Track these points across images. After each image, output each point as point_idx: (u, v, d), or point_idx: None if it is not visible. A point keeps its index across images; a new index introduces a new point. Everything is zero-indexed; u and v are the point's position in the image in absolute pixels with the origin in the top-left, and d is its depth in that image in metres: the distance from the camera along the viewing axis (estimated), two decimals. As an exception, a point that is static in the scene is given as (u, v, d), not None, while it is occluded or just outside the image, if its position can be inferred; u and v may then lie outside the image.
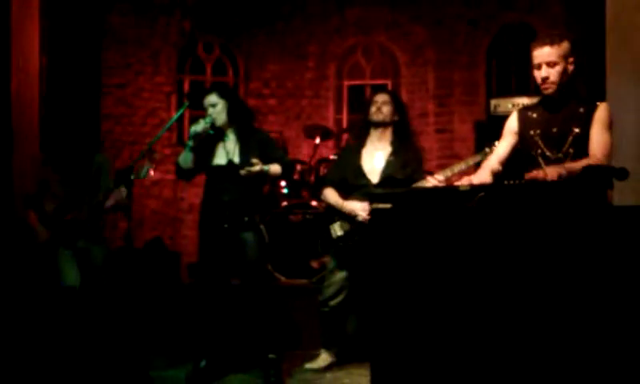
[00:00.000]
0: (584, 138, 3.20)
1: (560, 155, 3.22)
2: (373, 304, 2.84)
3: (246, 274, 4.22)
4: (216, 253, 4.17)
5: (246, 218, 4.14)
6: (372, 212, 2.94)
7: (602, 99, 3.39)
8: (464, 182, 3.16)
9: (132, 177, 4.13)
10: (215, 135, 4.20)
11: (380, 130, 4.45)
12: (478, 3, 7.62)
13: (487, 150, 4.12)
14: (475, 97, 7.62)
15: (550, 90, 3.23)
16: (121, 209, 4.24)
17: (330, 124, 7.86)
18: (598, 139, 3.18)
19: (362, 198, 4.28)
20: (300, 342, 4.92)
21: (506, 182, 2.86)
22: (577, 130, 3.20)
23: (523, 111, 3.42)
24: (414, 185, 4.20)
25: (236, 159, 4.14)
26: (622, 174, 2.74)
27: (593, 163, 3.01)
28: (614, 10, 4.83)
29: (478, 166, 4.13)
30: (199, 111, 4.34)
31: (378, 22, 8.01)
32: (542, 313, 2.44)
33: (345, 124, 8.12)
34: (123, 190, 4.12)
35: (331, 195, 4.48)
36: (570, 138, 3.21)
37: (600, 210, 2.58)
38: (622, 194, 3.24)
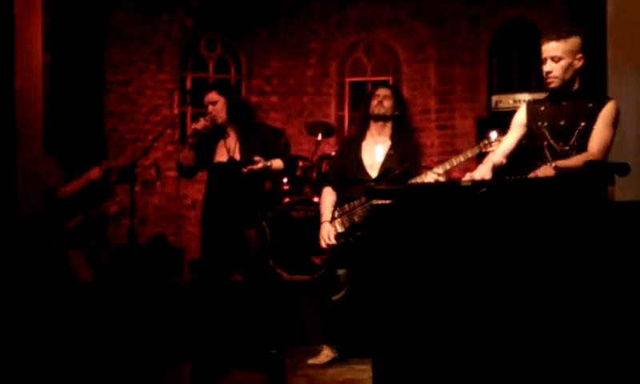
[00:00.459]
0: (589, 132, 3.21)
1: (567, 148, 3.24)
2: (374, 300, 2.85)
3: (248, 271, 4.24)
4: (218, 249, 4.19)
5: (248, 215, 4.15)
6: (372, 208, 2.95)
7: (603, 95, 3.40)
8: (466, 177, 3.18)
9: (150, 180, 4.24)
10: (216, 133, 4.21)
11: (380, 123, 4.46)
12: (479, 0, 7.62)
13: (486, 141, 4.14)
14: (476, 93, 7.62)
15: (552, 84, 3.24)
16: (125, 212, 4.29)
17: (332, 121, 7.87)
18: (597, 135, 3.21)
19: (361, 193, 4.30)
20: (302, 338, 4.94)
21: (507, 178, 2.88)
22: (583, 124, 3.22)
23: (532, 104, 3.44)
24: (414, 179, 4.23)
25: (237, 156, 4.16)
26: (623, 169, 2.76)
27: (587, 158, 3.02)
28: (615, 5, 4.83)
29: (477, 158, 4.16)
30: (201, 108, 4.36)
31: (380, 18, 8.01)
32: (543, 309, 2.45)
33: (346, 121, 8.14)
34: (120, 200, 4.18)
35: (324, 201, 4.49)
36: (577, 132, 3.23)
37: (601, 205, 2.59)
38: (622, 190, 3.26)
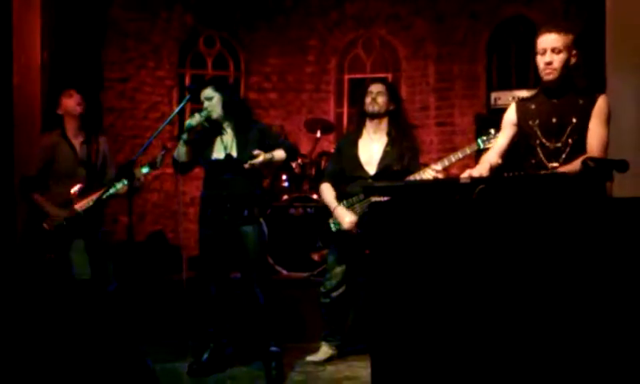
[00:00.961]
0: (582, 128, 3.22)
1: (559, 145, 3.24)
2: (373, 296, 2.85)
3: (246, 268, 4.24)
4: (216, 247, 4.19)
5: (246, 212, 4.15)
6: (371, 205, 2.95)
7: (602, 92, 3.40)
8: (464, 174, 3.17)
9: (152, 165, 4.26)
10: (213, 129, 4.20)
11: (376, 120, 4.45)
12: (478, -4, 7.63)
13: (484, 138, 4.14)
14: (476, 90, 7.62)
15: (551, 75, 3.24)
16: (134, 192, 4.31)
17: (331, 118, 7.87)
18: (595, 133, 3.21)
19: (359, 190, 4.30)
20: (301, 335, 4.94)
21: (505, 175, 2.88)
22: (575, 121, 3.22)
23: (521, 102, 3.44)
24: (412, 176, 4.22)
25: (234, 153, 4.15)
26: (622, 166, 2.75)
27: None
28: (614, 2, 4.83)
29: (476, 154, 4.16)
30: (200, 105, 4.36)
31: (379, 15, 8.00)
32: (541, 306, 2.45)
33: (345, 118, 8.14)
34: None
35: (326, 192, 4.48)
36: (569, 129, 3.23)
37: (599, 201, 2.59)
38: (621, 186, 3.25)
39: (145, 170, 4.37)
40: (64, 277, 4.25)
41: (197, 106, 4.27)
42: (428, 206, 2.73)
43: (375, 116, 4.43)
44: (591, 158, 2.85)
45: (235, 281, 4.44)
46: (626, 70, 4.71)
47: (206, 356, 4.22)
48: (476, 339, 2.54)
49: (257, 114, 4.92)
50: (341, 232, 4.40)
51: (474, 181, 2.73)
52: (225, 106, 4.16)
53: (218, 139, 4.20)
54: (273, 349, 4.17)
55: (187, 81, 7.86)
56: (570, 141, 3.22)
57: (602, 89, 4.69)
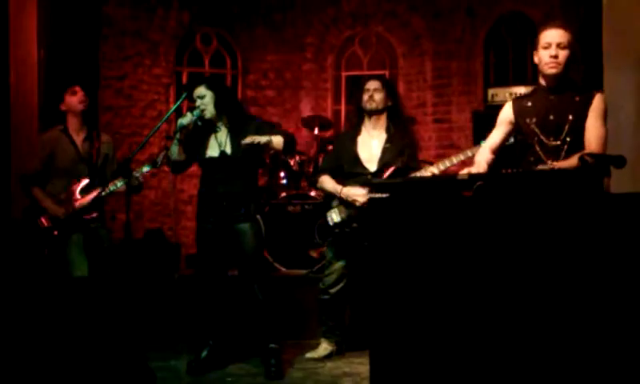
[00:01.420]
0: (580, 126, 3.23)
1: (558, 142, 3.24)
2: (372, 293, 2.86)
3: (244, 265, 4.24)
4: (213, 244, 4.19)
5: (242, 209, 4.15)
6: (370, 201, 2.96)
7: (599, 88, 3.41)
8: (462, 172, 3.18)
9: (155, 163, 4.27)
10: (206, 127, 4.20)
11: (374, 117, 4.45)
12: (475, -7, 7.62)
13: (483, 143, 4.14)
14: (473, 86, 7.62)
15: (555, 69, 3.24)
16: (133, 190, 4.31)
17: (329, 115, 7.87)
18: (593, 130, 3.22)
19: (360, 187, 4.30)
20: (300, 332, 4.95)
21: (503, 171, 2.88)
22: (572, 118, 3.23)
23: (518, 100, 3.45)
24: (412, 174, 4.22)
25: (228, 150, 4.15)
26: (620, 161, 2.76)
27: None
28: (610, -2, 4.84)
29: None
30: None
31: (376, 12, 8.00)
32: (540, 302, 2.46)
33: (343, 115, 8.14)
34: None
35: (328, 182, 4.49)
36: (567, 126, 3.23)
37: (597, 197, 2.59)
38: (619, 182, 3.26)
39: (145, 169, 4.37)
40: (58, 273, 4.23)
41: (194, 104, 4.26)
42: (427, 203, 2.73)
43: (373, 113, 4.43)
44: (589, 154, 2.86)
45: (233, 278, 4.44)
46: (623, 66, 4.71)
47: (204, 353, 4.22)
48: (475, 335, 2.55)
49: (252, 112, 4.90)
50: (338, 225, 4.40)
51: (472, 177, 2.73)
52: (217, 104, 4.15)
53: (212, 137, 4.20)
54: (272, 346, 4.18)
55: (184, 79, 7.84)
56: (568, 138, 3.23)
57: (599, 85, 4.70)
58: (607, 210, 2.43)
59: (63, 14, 6.13)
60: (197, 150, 4.22)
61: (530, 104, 3.36)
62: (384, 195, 2.91)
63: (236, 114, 4.23)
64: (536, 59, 3.33)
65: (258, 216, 4.28)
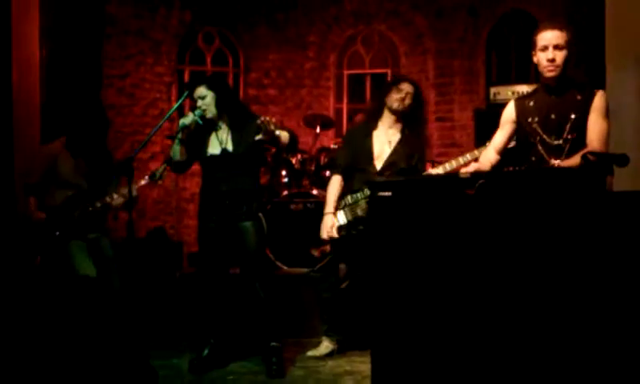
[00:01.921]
0: (582, 125, 3.22)
1: (560, 141, 3.24)
2: (374, 291, 2.86)
3: (246, 263, 4.24)
4: (215, 243, 4.19)
5: (245, 207, 4.15)
6: (373, 199, 2.95)
7: (602, 86, 3.41)
8: (465, 170, 3.18)
9: (155, 177, 4.25)
10: (208, 126, 4.20)
11: (395, 117, 4.42)
12: (477, -9, 7.61)
13: (488, 144, 4.14)
14: (475, 85, 7.62)
15: (554, 72, 3.24)
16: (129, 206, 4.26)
17: (331, 113, 7.87)
18: (595, 128, 3.21)
19: (363, 184, 4.30)
20: (302, 330, 4.95)
21: (505, 169, 2.88)
22: (574, 117, 3.23)
23: (520, 100, 3.45)
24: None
25: (230, 147, 4.15)
26: (623, 160, 2.76)
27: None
28: (614, -4, 4.83)
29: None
30: (198, 102, 4.35)
31: (378, 11, 8.00)
32: (542, 300, 2.46)
33: (345, 113, 8.13)
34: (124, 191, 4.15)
35: (330, 190, 4.46)
36: (568, 126, 3.23)
37: (600, 195, 2.59)
38: (621, 180, 3.26)
39: (143, 182, 4.35)
40: (60, 272, 4.23)
41: (195, 102, 4.26)
42: (429, 202, 2.73)
43: (399, 114, 4.39)
44: (592, 152, 2.86)
45: (235, 276, 4.44)
46: (625, 64, 4.71)
47: (206, 352, 4.22)
48: (477, 333, 2.55)
49: (254, 110, 4.89)
50: (344, 227, 4.40)
51: (474, 176, 2.73)
52: (218, 103, 4.15)
53: (214, 135, 4.20)
54: (273, 344, 4.18)
55: (186, 77, 7.85)
56: (570, 137, 3.23)
57: (602, 84, 4.70)
58: (610, 208, 2.43)
59: (66, 13, 6.14)
60: (198, 148, 4.22)
61: (531, 104, 3.36)
62: (387, 194, 2.91)
63: (237, 112, 4.23)
64: (535, 59, 3.33)
65: (261, 214, 4.27)
